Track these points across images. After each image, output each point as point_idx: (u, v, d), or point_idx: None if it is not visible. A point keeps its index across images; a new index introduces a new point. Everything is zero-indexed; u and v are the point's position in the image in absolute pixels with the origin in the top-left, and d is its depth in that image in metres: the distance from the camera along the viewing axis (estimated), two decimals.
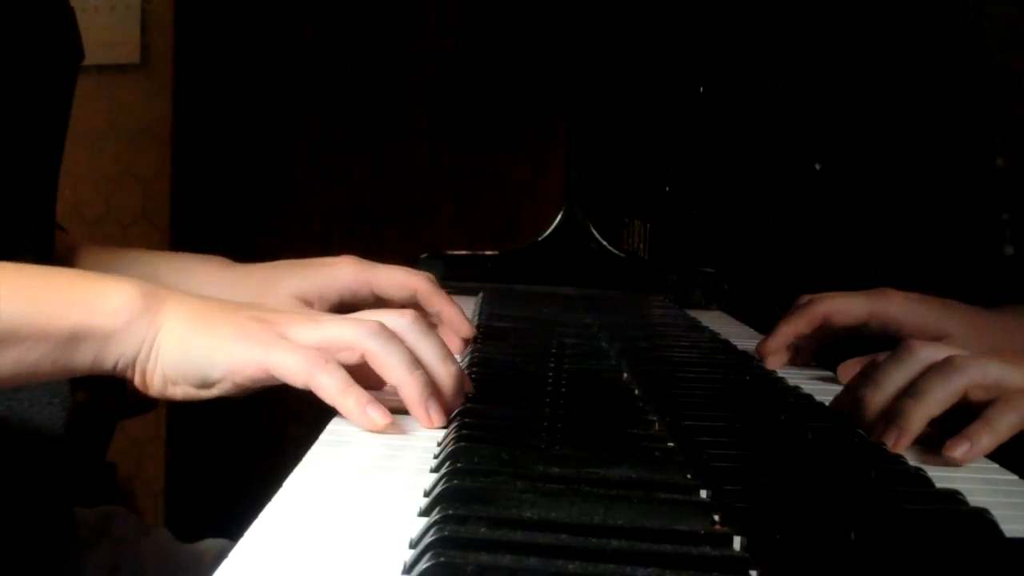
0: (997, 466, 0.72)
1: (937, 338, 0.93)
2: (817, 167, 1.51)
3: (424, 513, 0.53)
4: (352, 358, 0.72)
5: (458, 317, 0.99)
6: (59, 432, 0.90)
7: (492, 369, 0.86)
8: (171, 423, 2.69)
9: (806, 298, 1.03)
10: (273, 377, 0.71)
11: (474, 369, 0.85)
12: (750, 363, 1.02)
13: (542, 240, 1.61)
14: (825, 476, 0.62)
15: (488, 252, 1.63)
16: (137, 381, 0.73)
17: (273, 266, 1.03)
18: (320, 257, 1.03)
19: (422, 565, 0.43)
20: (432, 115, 2.57)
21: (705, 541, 0.47)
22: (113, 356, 0.72)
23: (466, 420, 0.68)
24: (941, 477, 0.63)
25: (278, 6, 2.62)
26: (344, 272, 1.00)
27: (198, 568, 1.03)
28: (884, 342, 0.96)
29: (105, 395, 2.14)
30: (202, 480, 2.65)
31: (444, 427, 0.71)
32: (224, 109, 2.62)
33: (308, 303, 0.99)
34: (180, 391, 0.73)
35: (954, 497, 0.58)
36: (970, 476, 0.69)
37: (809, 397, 0.85)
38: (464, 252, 1.63)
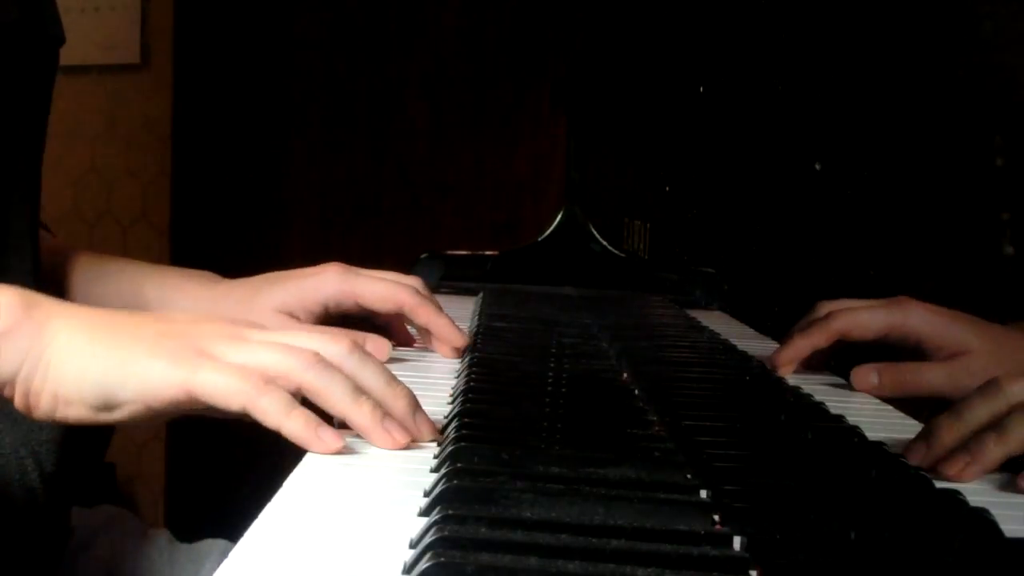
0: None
1: (957, 352, 0.92)
2: (817, 167, 1.51)
3: (424, 513, 0.53)
4: (287, 388, 0.64)
5: (448, 328, 0.95)
6: (56, 434, 0.90)
7: (492, 369, 0.86)
8: (171, 423, 2.69)
9: (824, 309, 1.00)
10: (196, 401, 0.63)
11: (474, 369, 0.85)
12: (750, 363, 1.02)
13: (542, 240, 1.61)
14: (825, 476, 0.62)
15: (488, 252, 1.63)
16: (18, 402, 0.65)
17: (256, 280, 0.99)
18: (305, 268, 0.98)
19: (422, 565, 0.43)
20: (432, 114, 2.57)
21: (705, 541, 0.47)
22: None
23: (466, 420, 0.68)
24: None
25: (277, 6, 2.62)
26: (328, 282, 0.95)
27: (198, 568, 1.03)
28: (901, 349, 0.96)
29: None
30: (202, 480, 2.65)
31: (406, 448, 0.65)
32: (224, 109, 2.62)
33: (293, 316, 0.95)
34: (74, 412, 0.64)
35: (954, 497, 0.58)
36: None
37: (809, 397, 0.85)
38: (464, 252, 1.63)
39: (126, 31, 2.65)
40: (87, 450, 2.32)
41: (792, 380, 0.94)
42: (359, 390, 0.65)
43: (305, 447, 0.63)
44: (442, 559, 0.43)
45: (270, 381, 0.63)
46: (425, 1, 2.56)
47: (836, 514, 0.53)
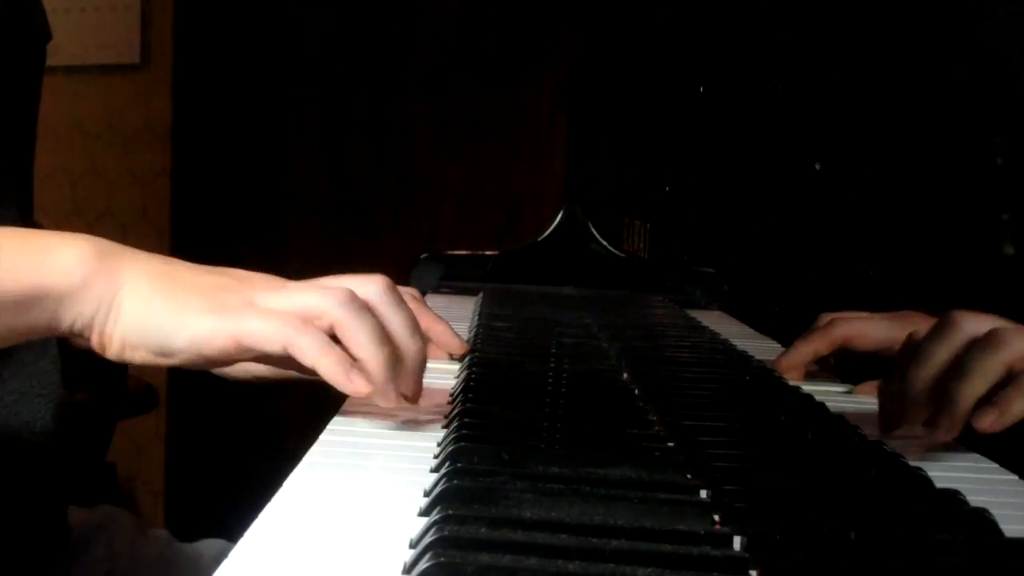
0: (997, 466, 0.72)
1: None
2: (817, 167, 1.51)
3: (424, 513, 0.53)
4: (320, 327, 0.68)
5: (446, 335, 0.96)
6: (49, 426, 0.90)
7: (492, 369, 0.86)
8: (171, 423, 2.69)
9: (827, 317, 1.00)
10: (244, 348, 0.67)
11: (474, 369, 0.85)
12: (750, 363, 1.02)
13: (542, 240, 1.61)
14: (825, 476, 0.62)
15: (488, 252, 1.63)
16: (95, 342, 0.70)
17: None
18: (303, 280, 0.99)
19: (422, 565, 0.43)
20: (432, 115, 2.57)
21: (705, 541, 0.47)
22: (69, 316, 0.68)
23: (466, 420, 0.68)
24: (941, 477, 0.63)
25: (278, 6, 2.62)
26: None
27: (198, 568, 1.03)
28: None
29: (105, 394, 2.14)
30: (202, 480, 2.65)
31: (406, 448, 0.68)
32: (224, 108, 2.62)
33: None
34: (139, 356, 0.69)
35: (954, 497, 0.58)
36: (970, 476, 0.69)
37: (809, 397, 0.85)
38: (464, 252, 1.63)
39: (126, 31, 2.65)
40: (87, 450, 2.32)
41: (792, 381, 0.94)
42: (384, 338, 0.69)
43: (336, 386, 0.67)
44: (442, 559, 0.43)
45: (307, 322, 0.67)
46: (425, 1, 2.56)
47: (836, 514, 0.53)
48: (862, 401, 0.92)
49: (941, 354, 0.74)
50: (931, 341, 0.75)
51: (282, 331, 0.66)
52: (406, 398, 0.72)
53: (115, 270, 0.69)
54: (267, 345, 0.67)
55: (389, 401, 0.69)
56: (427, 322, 0.95)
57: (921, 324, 0.94)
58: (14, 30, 0.92)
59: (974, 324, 0.75)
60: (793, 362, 0.99)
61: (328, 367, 0.66)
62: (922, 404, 0.74)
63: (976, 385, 0.71)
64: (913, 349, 0.77)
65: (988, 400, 0.71)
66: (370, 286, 0.71)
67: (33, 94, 0.97)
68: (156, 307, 0.68)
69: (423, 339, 0.73)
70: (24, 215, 0.95)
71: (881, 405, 0.78)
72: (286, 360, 0.68)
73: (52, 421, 0.90)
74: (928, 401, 0.74)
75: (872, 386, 0.91)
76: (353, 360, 0.68)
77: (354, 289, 0.70)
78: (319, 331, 0.67)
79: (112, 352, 0.69)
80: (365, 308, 0.69)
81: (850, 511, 0.54)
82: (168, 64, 2.64)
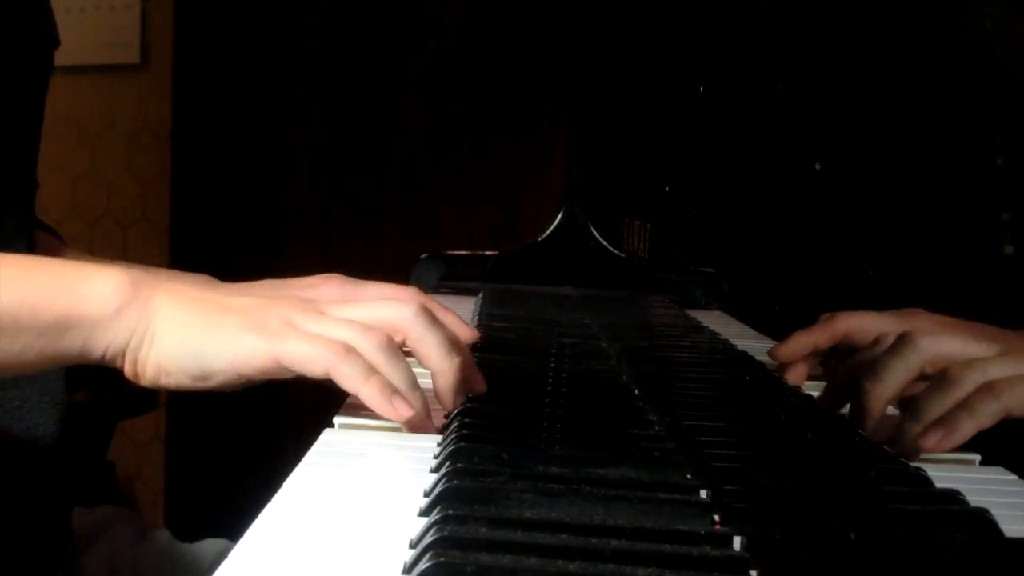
0: (997, 466, 0.72)
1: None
2: (817, 167, 1.51)
3: (424, 513, 0.53)
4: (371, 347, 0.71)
5: (457, 324, 0.95)
6: (53, 430, 0.90)
7: (492, 369, 0.86)
8: (171, 423, 2.69)
9: (830, 314, 0.99)
10: (283, 367, 0.69)
11: None
12: (750, 363, 1.02)
13: (542, 240, 1.61)
14: (825, 476, 0.62)
15: (488, 252, 1.63)
16: (128, 371, 0.71)
17: (254, 287, 1.00)
18: (304, 277, 1.00)
19: (422, 565, 0.43)
20: (432, 115, 2.57)
21: (705, 541, 0.47)
22: (101, 345, 0.70)
23: (466, 420, 0.68)
24: (941, 477, 0.63)
25: (278, 6, 2.62)
26: (329, 293, 0.95)
27: (198, 568, 1.03)
28: None
29: (105, 394, 2.14)
30: (202, 480, 2.65)
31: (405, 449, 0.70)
32: (224, 109, 2.62)
33: None
34: (174, 381, 0.71)
35: (954, 497, 0.58)
36: (970, 476, 0.69)
37: (809, 397, 0.85)
38: (464, 252, 1.63)
39: (126, 31, 2.65)
40: (87, 449, 2.32)
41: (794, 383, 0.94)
42: (415, 384, 0.71)
43: (378, 412, 0.69)
44: (442, 559, 0.43)
45: (350, 350, 0.69)
46: (426, 1, 2.56)
47: (836, 514, 0.53)
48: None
49: (899, 375, 0.76)
50: (891, 358, 0.78)
51: (325, 356, 0.68)
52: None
53: (149, 298, 0.70)
54: (309, 368, 0.69)
55: (455, 406, 0.73)
56: (438, 313, 0.95)
57: (924, 322, 0.93)
58: (24, 36, 0.92)
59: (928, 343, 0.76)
60: (790, 352, 0.96)
61: (370, 395, 0.69)
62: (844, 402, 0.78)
63: (887, 388, 0.74)
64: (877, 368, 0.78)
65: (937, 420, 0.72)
66: (406, 309, 0.75)
67: (39, 99, 0.97)
68: (193, 332, 0.70)
69: (462, 353, 0.76)
70: (29, 218, 0.95)
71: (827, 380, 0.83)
72: (323, 381, 0.70)
73: (56, 426, 0.90)
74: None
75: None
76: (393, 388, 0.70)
77: (391, 321, 0.74)
78: (360, 358, 0.69)
79: (147, 380, 0.71)
80: (398, 354, 0.72)
81: (850, 511, 0.54)
82: (168, 64, 2.64)
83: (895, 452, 0.73)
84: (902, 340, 0.76)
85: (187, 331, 0.70)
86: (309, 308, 0.73)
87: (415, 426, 0.71)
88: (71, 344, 0.70)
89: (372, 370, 0.69)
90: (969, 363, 0.74)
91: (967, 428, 0.71)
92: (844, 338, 0.96)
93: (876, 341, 0.81)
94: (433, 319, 0.75)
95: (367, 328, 0.72)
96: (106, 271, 0.71)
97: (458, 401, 0.74)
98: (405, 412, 0.69)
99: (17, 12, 0.91)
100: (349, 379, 0.68)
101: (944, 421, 0.71)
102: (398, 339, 0.73)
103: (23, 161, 0.95)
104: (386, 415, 0.69)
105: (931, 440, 0.71)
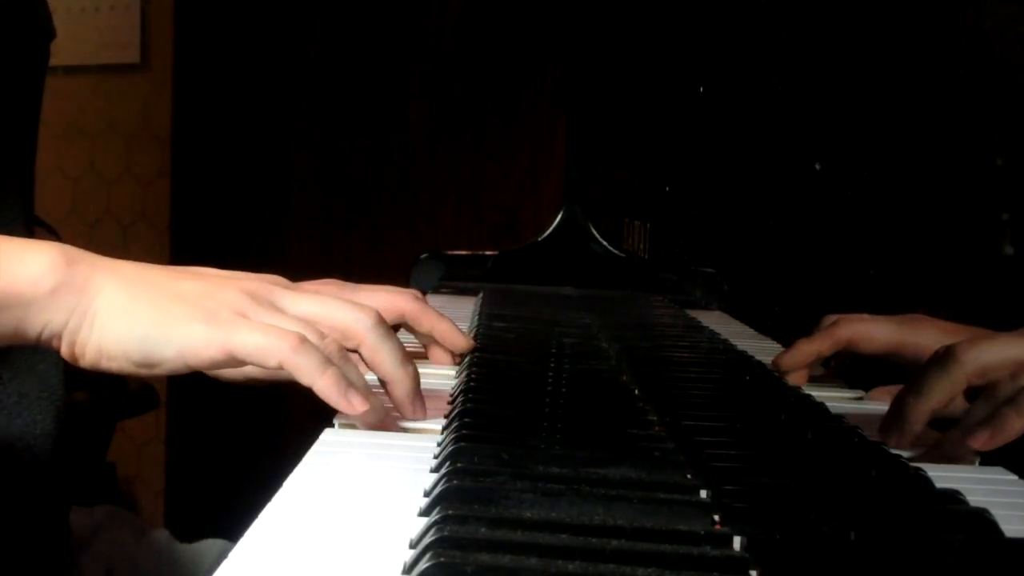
0: (997, 466, 0.72)
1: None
2: (817, 167, 1.51)
3: (424, 513, 0.53)
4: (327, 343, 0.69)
5: (452, 332, 0.95)
6: (50, 428, 0.90)
7: (492, 369, 0.86)
8: (171, 423, 2.69)
9: (832, 318, 0.97)
10: (235, 360, 0.67)
11: (474, 369, 0.85)
12: (750, 363, 1.02)
13: (542, 240, 1.61)
14: (825, 476, 0.62)
15: (488, 252, 1.63)
16: (65, 352, 0.68)
17: (207, 272, 0.99)
18: (302, 282, 0.99)
19: (422, 565, 0.43)
20: (432, 115, 2.57)
21: (705, 541, 0.47)
22: (37, 325, 0.67)
23: (466, 420, 0.68)
24: (941, 477, 0.63)
25: (278, 6, 2.62)
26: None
27: (198, 568, 1.03)
28: (912, 370, 0.94)
29: (105, 394, 2.14)
30: (202, 480, 2.65)
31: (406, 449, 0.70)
32: (224, 109, 2.62)
33: None
34: (116, 365, 0.68)
35: (954, 497, 0.58)
36: (970, 476, 0.69)
37: (809, 397, 0.85)
38: (464, 252, 1.63)
39: (126, 31, 2.65)
40: (87, 450, 2.32)
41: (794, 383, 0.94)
42: (367, 387, 0.69)
43: (333, 406, 0.67)
44: (442, 559, 0.43)
45: (305, 341, 0.67)
46: (426, 1, 2.56)
47: (836, 514, 0.53)
48: (863, 403, 0.92)
49: (942, 393, 0.74)
50: (933, 374, 0.75)
51: (279, 347, 0.66)
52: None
53: (87, 278, 0.67)
54: (263, 359, 0.66)
55: (416, 414, 0.73)
56: (432, 321, 0.94)
57: (927, 328, 0.93)
58: (18, 27, 0.92)
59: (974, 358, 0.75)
60: (795, 361, 0.95)
61: (324, 387, 0.66)
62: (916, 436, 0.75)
63: (930, 401, 0.73)
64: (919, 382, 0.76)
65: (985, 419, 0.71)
66: (365, 319, 0.73)
67: (36, 92, 0.97)
68: (139, 318, 0.67)
69: (412, 367, 0.74)
70: (27, 214, 0.95)
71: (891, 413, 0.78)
72: (276, 373, 0.68)
73: (53, 423, 0.90)
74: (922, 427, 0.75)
75: (886, 392, 0.90)
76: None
77: (347, 324, 0.72)
78: (316, 350, 0.67)
79: (86, 362, 0.68)
80: (391, 333, 0.71)
81: (850, 511, 0.54)
82: (168, 64, 2.64)
83: (941, 456, 0.72)
84: (946, 354, 0.74)
85: (132, 317, 0.67)
86: (261, 300, 0.70)
87: (371, 423, 0.69)
88: (5, 324, 0.67)
89: (328, 362, 0.67)
90: (1019, 371, 0.73)
91: (1016, 425, 0.70)
92: (847, 345, 0.95)
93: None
94: (389, 331, 0.73)
95: (320, 333, 0.69)
96: (40, 248, 0.68)
97: (418, 409, 0.73)
98: (360, 406, 0.67)
99: (11, 4, 0.90)
100: (304, 371, 0.66)
101: (992, 419, 0.70)
102: (351, 345, 0.70)
103: (21, 156, 0.95)
104: (341, 409, 0.67)
105: (980, 439, 0.70)
